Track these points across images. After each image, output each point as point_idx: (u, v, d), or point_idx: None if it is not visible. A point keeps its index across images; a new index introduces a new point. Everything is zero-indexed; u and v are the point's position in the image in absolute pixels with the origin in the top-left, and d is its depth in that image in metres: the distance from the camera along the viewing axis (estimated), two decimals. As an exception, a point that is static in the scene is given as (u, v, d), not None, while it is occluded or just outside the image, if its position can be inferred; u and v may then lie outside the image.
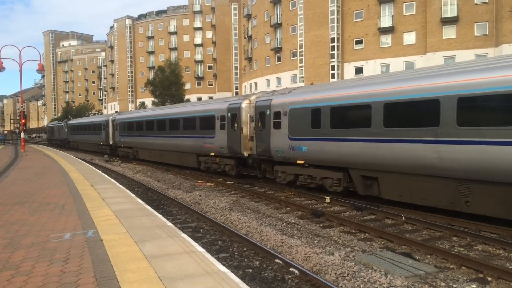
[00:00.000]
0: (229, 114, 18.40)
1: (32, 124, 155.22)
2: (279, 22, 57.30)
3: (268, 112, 15.80)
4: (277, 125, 15.30)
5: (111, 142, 35.93)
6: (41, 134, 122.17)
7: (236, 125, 17.97)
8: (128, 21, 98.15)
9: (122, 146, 33.66)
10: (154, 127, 26.69)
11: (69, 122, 54.85)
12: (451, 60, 40.44)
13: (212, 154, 19.95)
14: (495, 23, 39.63)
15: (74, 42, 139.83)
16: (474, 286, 6.53)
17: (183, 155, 23.30)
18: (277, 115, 15.30)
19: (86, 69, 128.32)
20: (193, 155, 22.02)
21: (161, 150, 26.09)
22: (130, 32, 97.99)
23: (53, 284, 4.90)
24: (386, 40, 46.77)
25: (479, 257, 7.85)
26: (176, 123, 23.62)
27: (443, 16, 42.03)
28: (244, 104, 17.75)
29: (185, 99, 58.58)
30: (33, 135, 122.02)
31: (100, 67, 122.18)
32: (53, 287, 4.81)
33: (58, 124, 60.99)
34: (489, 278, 6.83)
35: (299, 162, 14.55)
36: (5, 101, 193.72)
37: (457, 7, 41.50)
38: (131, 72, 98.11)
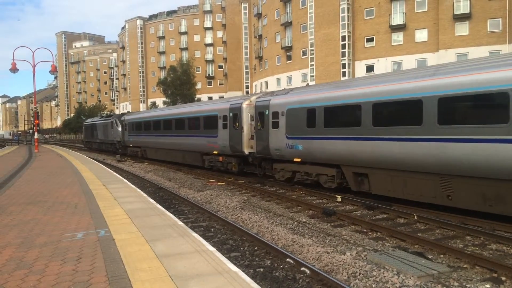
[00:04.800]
0: None
1: (46, 125, 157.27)
2: (289, 20, 57.19)
3: None
4: None
5: (247, 151, 18.49)
6: (54, 135, 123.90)
7: None
8: (139, 22, 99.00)
9: (285, 160, 16.23)
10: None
11: (128, 116, 36.05)
12: (464, 57, 39.92)
13: None
14: (508, 19, 39.01)
15: (86, 43, 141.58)
16: (488, 285, 6.44)
17: None
18: None
19: (98, 69, 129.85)
20: None
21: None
22: (141, 32, 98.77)
23: (65, 283, 4.95)
24: (398, 38, 46.36)
25: (493, 257, 7.74)
26: None
27: (455, 12, 41.53)
28: None
29: (196, 98, 58.77)
30: (47, 136, 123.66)
31: (112, 68, 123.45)
32: (66, 286, 4.86)
33: (105, 121, 41.09)
34: (503, 278, 6.73)
35: None
36: (19, 102, 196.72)
37: (469, 3, 40.96)
38: (143, 72, 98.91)
